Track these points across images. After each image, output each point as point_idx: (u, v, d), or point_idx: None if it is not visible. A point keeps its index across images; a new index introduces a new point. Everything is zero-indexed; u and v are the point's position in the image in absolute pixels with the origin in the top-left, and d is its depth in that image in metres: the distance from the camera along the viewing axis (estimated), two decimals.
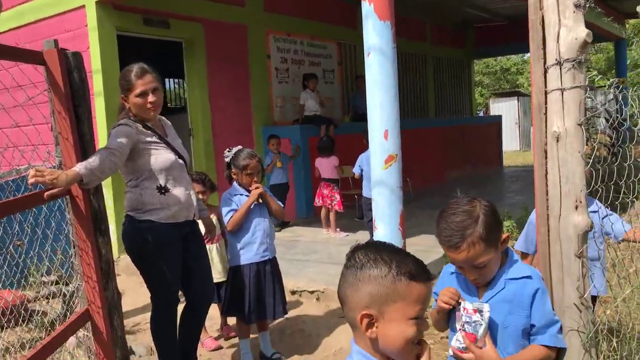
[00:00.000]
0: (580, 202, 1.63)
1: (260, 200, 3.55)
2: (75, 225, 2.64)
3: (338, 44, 9.75)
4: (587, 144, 1.72)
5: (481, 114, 25.66)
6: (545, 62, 1.66)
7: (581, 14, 1.60)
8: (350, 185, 8.58)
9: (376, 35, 4.24)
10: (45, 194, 2.39)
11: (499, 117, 14.84)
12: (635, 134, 2.27)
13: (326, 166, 7.12)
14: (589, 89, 1.64)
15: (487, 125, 14.06)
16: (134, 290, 5.33)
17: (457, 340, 1.67)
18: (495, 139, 14.12)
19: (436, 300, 1.92)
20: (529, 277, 1.66)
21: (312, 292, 4.89)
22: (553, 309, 1.68)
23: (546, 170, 1.69)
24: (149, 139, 3.07)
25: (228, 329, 4.09)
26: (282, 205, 3.70)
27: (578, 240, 1.63)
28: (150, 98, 3.02)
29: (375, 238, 4.52)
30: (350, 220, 7.84)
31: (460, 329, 1.65)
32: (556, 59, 1.62)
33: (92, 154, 2.72)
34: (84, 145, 2.72)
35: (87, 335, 2.82)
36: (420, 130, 10.49)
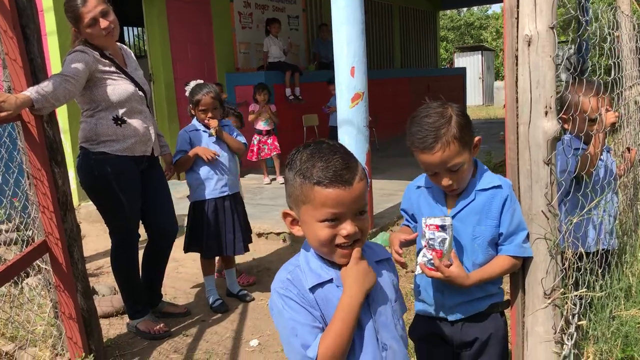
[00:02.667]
0: (550, 107, 1.61)
1: (213, 133, 3.41)
2: (28, 154, 2.51)
3: None
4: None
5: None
6: None
7: None
8: (315, 134, 8.52)
9: None
10: None
11: (464, 70, 14.88)
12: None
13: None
14: None
15: (451, 77, 14.09)
16: (96, 237, 5.22)
17: (424, 256, 1.66)
18: (459, 91, 14.18)
19: (402, 212, 1.90)
20: (499, 186, 1.65)
21: (278, 234, 4.88)
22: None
23: (516, 77, 1.65)
24: (107, 68, 2.92)
25: (245, 278, 3.95)
26: (244, 142, 3.60)
27: (547, 146, 1.62)
28: (103, 23, 2.85)
29: None
30: None
31: (425, 246, 1.64)
32: None
33: (45, 79, 2.57)
34: (35, 70, 2.56)
35: (46, 269, 2.72)
36: (386, 81, 10.43)
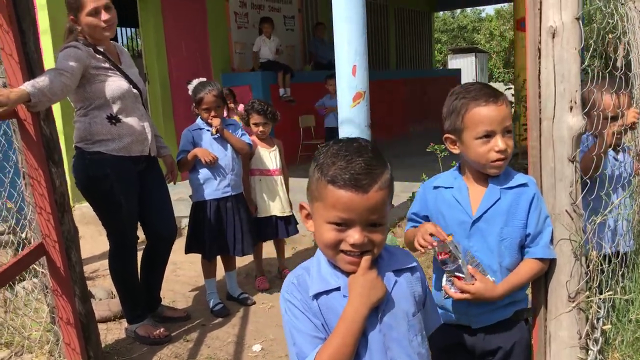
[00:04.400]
0: (575, 102, 1.55)
1: (214, 132, 3.34)
2: (24, 152, 2.41)
3: None
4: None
5: None
6: None
7: None
8: (312, 135, 8.45)
9: None
10: None
11: (459, 71, 14.86)
12: None
13: None
14: None
15: (447, 78, 14.05)
16: (92, 239, 5.11)
17: (448, 281, 1.58)
18: None
19: (409, 220, 1.81)
20: (525, 184, 1.58)
21: None
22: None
23: (539, 70, 1.59)
24: (100, 64, 2.83)
25: (262, 281, 3.85)
26: (249, 142, 3.52)
27: (572, 142, 1.55)
28: (104, 16, 2.78)
29: None
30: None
31: (446, 276, 1.57)
32: None
33: (40, 74, 2.48)
34: (31, 65, 2.47)
35: (42, 272, 2.63)
36: (381, 82, 10.37)
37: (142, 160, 3.00)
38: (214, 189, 3.36)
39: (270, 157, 3.68)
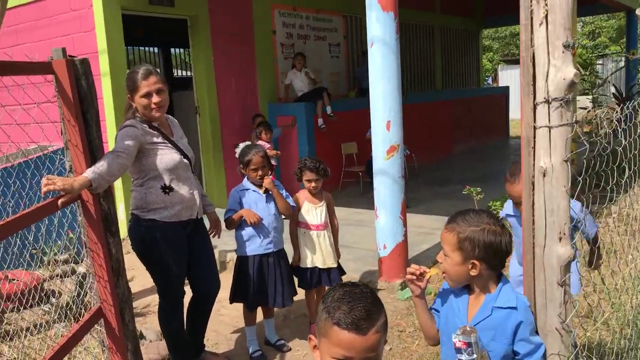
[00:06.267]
0: (564, 234, 1.71)
1: (262, 192, 3.63)
2: (86, 229, 2.76)
3: (344, 17, 9.67)
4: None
5: (489, 80, 25.42)
6: (534, 99, 1.72)
7: (570, 54, 1.65)
8: (354, 162, 8.66)
9: (379, 27, 4.27)
10: (59, 201, 2.49)
11: (507, 89, 14.75)
12: None
13: None
14: (576, 125, 1.70)
15: (494, 96, 14.00)
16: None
17: None
18: (502, 110, 14.09)
19: (432, 309, 2.03)
20: (514, 308, 1.77)
21: None
22: (537, 333, 1.79)
23: (533, 202, 1.77)
24: (154, 139, 3.16)
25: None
26: (293, 204, 3.78)
27: (561, 270, 1.72)
28: (155, 99, 3.10)
29: (377, 226, 4.64)
30: (353, 197, 7.96)
31: None
32: (544, 97, 1.68)
33: (101, 157, 2.82)
34: (93, 150, 2.81)
35: (100, 330, 2.97)
36: (426, 105, 10.47)
37: (190, 223, 3.31)
38: (257, 245, 3.64)
39: (316, 212, 3.91)
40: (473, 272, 1.79)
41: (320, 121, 8.08)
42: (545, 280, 1.76)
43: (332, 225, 3.99)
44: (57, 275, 5.13)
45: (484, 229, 1.77)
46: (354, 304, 1.40)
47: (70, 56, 2.75)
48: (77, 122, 2.66)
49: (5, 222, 2.13)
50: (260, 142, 6.81)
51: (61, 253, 5.49)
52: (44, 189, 2.46)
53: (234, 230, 3.70)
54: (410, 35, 11.04)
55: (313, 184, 3.85)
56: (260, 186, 3.66)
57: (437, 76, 12.66)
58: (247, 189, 3.69)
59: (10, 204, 4.16)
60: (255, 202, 3.66)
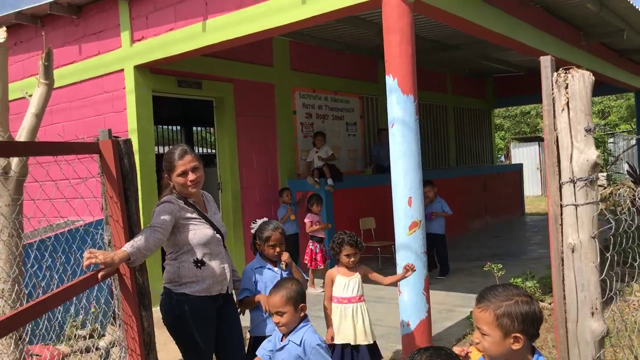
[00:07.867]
0: (596, 309, 1.77)
1: (284, 267, 3.68)
2: (122, 302, 2.84)
3: (360, 97, 10.06)
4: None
5: (502, 158, 25.73)
6: (560, 178, 1.83)
7: (591, 137, 1.78)
8: (372, 237, 8.72)
9: (400, 109, 4.48)
10: (99, 274, 2.60)
11: (520, 166, 14.93)
12: None
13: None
14: (600, 203, 1.80)
15: (508, 174, 14.15)
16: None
17: None
18: (516, 187, 14.20)
19: None
20: None
21: None
22: None
23: (563, 277, 1.83)
24: (189, 214, 3.29)
25: None
26: (306, 278, 3.84)
27: (595, 345, 1.77)
28: (191, 177, 3.25)
29: (400, 303, 4.65)
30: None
31: None
32: (570, 177, 1.79)
33: (138, 232, 2.94)
34: (132, 226, 2.95)
35: None
36: (441, 182, 10.62)
37: (220, 297, 3.37)
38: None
39: (349, 285, 3.94)
40: (516, 346, 1.82)
41: (329, 181, 8.29)
42: (579, 355, 1.80)
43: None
44: (78, 351, 5.14)
45: (517, 301, 1.83)
46: None
47: (114, 136, 2.95)
48: (120, 199, 2.82)
49: (51, 294, 2.23)
50: (311, 214, 7.19)
51: (83, 327, 5.52)
52: (85, 262, 2.56)
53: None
54: (425, 114, 11.40)
55: (352, 259, 3.89)
56: (275, 263, 3.72)
57: (451, 154, 12.91)
58: (262, 267, 3.70)
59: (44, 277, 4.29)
60: (271, 281, 3.67)
